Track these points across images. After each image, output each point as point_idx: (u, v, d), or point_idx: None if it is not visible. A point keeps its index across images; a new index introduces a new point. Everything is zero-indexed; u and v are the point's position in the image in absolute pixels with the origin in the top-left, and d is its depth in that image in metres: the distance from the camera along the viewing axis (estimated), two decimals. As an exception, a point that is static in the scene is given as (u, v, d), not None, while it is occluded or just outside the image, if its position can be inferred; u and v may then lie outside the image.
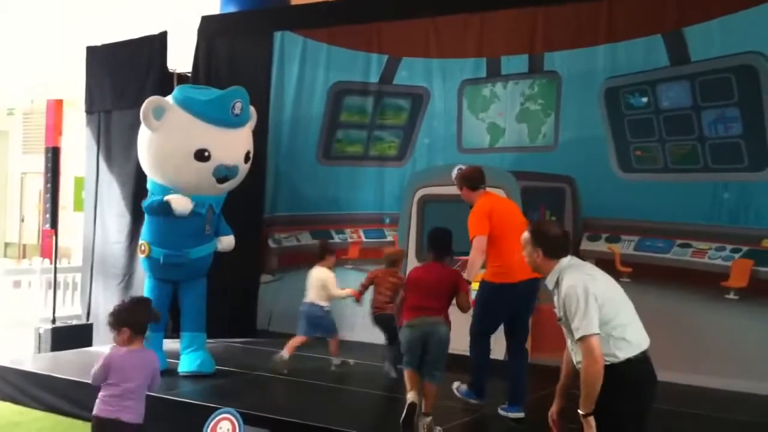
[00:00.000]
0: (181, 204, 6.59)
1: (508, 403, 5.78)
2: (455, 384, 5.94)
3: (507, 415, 5.74)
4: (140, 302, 4.82)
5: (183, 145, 6.60)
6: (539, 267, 3.97)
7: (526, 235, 4.01)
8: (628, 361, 3.67)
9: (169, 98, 6.79)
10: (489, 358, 5.92)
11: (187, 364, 6.89)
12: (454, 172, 7.42)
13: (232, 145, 6.79)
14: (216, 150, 6.63)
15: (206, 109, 6.62)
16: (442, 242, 5.53)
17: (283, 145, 9.26)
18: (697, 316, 6.94)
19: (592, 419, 3.64)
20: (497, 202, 5.97)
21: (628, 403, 3.66)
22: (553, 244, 3.91)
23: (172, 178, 6.73)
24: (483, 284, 5.81)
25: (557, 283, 3.84)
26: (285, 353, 7.03)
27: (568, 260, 3.90)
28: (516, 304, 5.78)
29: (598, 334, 3.62)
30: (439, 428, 5.24)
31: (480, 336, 5.85)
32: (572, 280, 3.75)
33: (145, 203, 6.91)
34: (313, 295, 7.16)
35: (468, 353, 5.96)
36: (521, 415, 5.72)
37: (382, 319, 6.82)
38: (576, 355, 3.75)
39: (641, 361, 3.71)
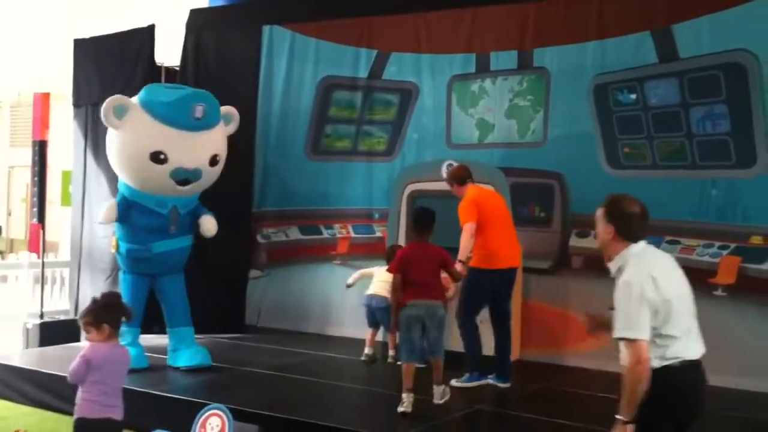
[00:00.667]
0: (103, 216, 6.83)
1: (495, 374, 6.37)
2: (452, 381, 6.17)
3: (497, 384, 6.34)
4: (114, 297, 4.80)
5: (140, 146, 6.61)
6: (606, 247, 3.53)
7: (598, 210, 3.58)
8: (665, 368, 3.37)
9: (135, 98, 6.81)
10: (479, 338, 6.35)
11: (188, 358, 6.91)
12: (444, 168, 7.45)
13: (193, 149, 6.71)
14: (173, 153, 6.57)
15: (165, 111, 6.57)
16: (426, 220, 5.84)
17: (272, 140, 9.24)
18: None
19: (631, 428, 3.31)
20: (483, 193, 6.55)
21: (659, 411, 3.36)
22: (629, 223, 3.48)
23: (133, 177, 6.80)
24: (469, 271, 6.22)
25: (620, 271, 3.44)
26: (368, 350, 7.30)
27: (640, 248, 3.49)
28: (498, 289, 6.36)
29: (645, 339, 3.31)
30: (447, 388, 5.76)
31: (467, 317, 6.33)
32: (631, 275, 3.39)
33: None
34: (378, 287, 7.23)
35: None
36: (508, 384, 6.35)
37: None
38: (621, 354, 3.43)
39: (684, 370, 3.40)
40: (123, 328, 6.66)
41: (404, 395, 5.54)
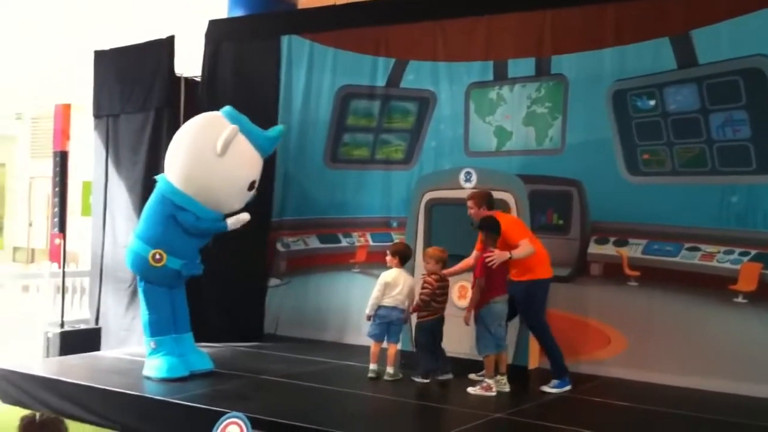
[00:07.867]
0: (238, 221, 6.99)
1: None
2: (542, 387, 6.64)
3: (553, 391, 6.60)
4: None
5: (245, 174, 6.95)
6: None
7: None
8: None
9: (234, 126, 6.84)
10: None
11: (199, 363, 7.03)
12: (462, 176, 7.45)
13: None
14: (257, 181, 7.08)
15: (266, 144, 7.07)
16: (497, 228, 6.51)
17: (292, 148, 9.26)
18: (706, 320, 6.92)
19: None
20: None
21: None
22: None
23: (218, 200, 6.89)
24: (529, 284, 6.58)
25: None
26: (374, 366, 7.00)
27: None
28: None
29: None
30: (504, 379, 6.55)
31: (547, 326, 6.71)
32: None
33: (191, 223, 6.82)
34: (396, 300, 6.91)
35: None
36: (568, 387, 6.64)
37: (430, 326, 6.73)
38: None
39: None
40: (169, 337, 6.87)
41: (504, 378, 6.51)
